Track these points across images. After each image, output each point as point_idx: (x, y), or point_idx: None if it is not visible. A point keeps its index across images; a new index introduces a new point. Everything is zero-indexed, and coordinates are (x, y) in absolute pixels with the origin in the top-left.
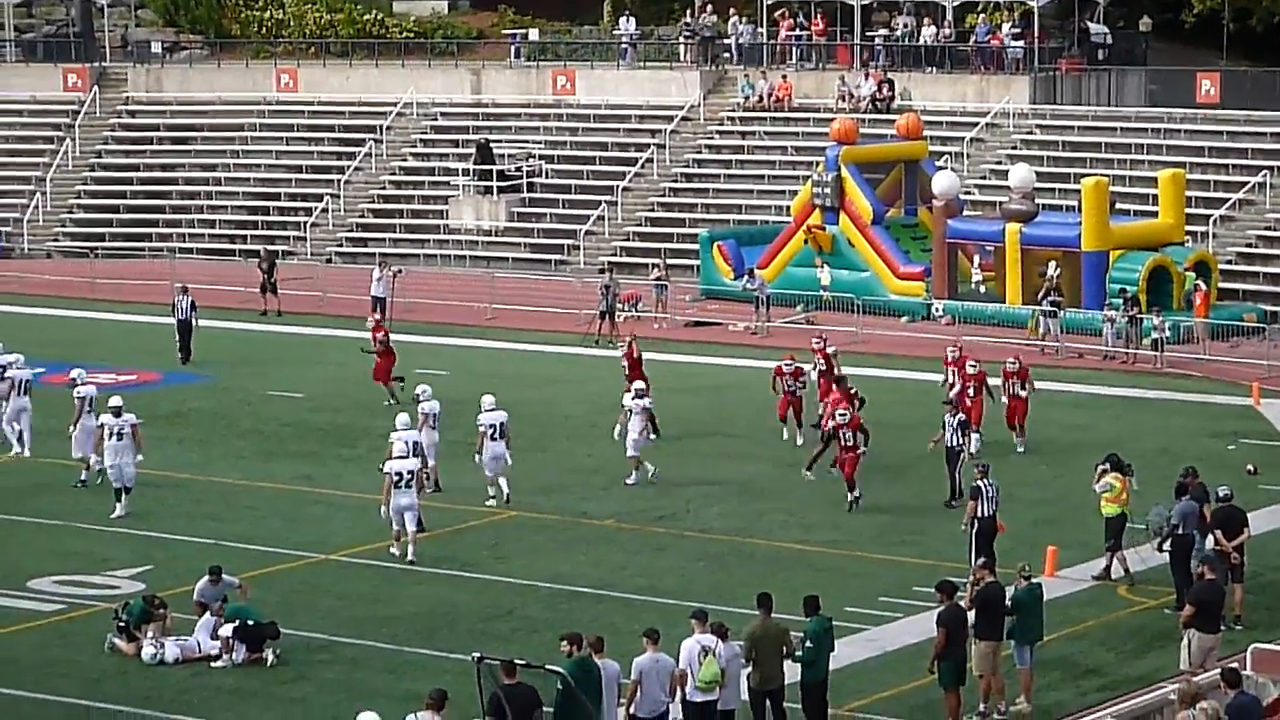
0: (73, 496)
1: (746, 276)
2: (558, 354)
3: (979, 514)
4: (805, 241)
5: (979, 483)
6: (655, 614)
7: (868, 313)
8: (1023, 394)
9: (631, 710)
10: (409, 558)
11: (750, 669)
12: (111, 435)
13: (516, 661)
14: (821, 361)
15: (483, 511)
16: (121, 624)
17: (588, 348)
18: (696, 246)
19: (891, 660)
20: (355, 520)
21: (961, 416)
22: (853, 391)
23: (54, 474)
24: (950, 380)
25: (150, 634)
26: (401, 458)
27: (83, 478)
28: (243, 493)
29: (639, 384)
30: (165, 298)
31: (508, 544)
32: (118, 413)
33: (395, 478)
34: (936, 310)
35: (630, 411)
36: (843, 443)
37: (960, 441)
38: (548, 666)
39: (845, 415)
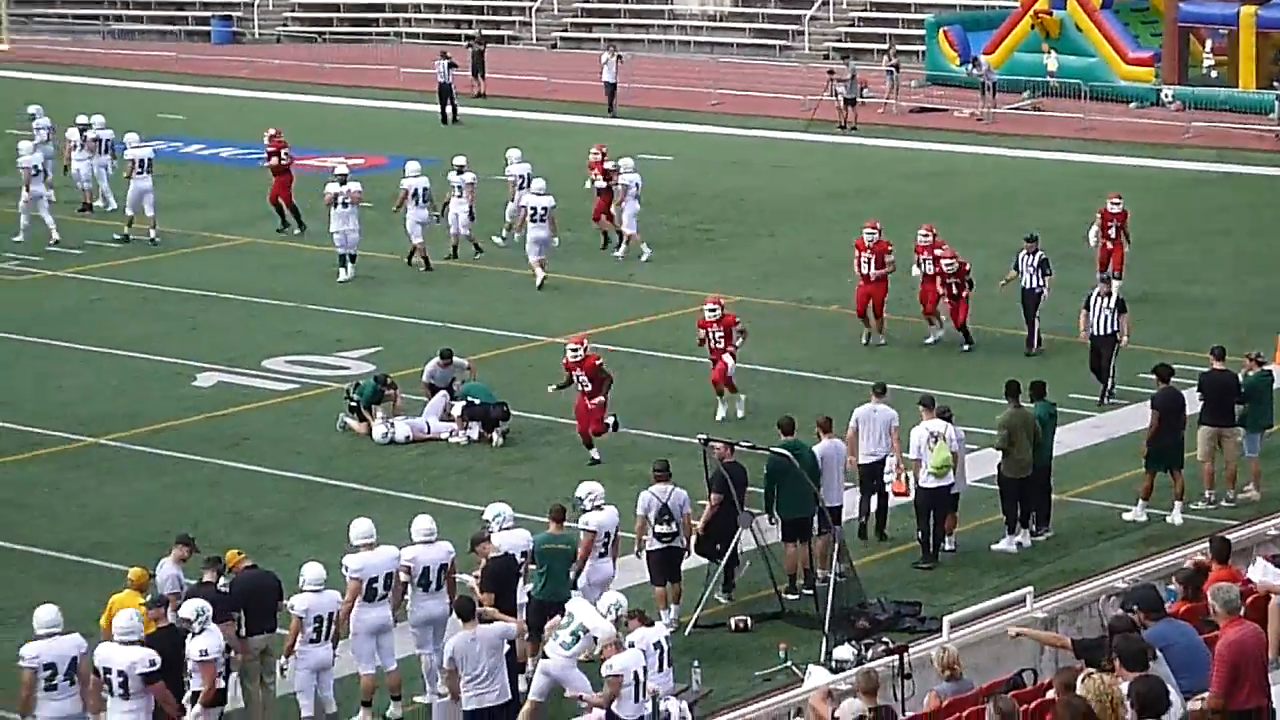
0: (306, 279)
1: (972, 63)
2: (782, 140)
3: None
4: (1032, 27)
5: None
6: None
7: (1095, 99)
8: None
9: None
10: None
11: (1003, 457)
12: (336, 203)
13: (742, 444)
14: (599, 177)
15: (705, 296)
16: (353, 404)
17: (812, 134)
18: (923, 32)
19: (1116, 446)
20: (581, 304)
21: (1042, 255)
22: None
23: (290, 255)
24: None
25: (381, 414)
26: (415, 176)
27: (126, 233)
28: (471, 275)
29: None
30: (391, 82)
31: None
32: (343, 180)
33: (532, 212)
34: (1166, 96)
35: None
36: (580, 388)
37: (1040, 283)
38: (772, 449)
39: (577, 352)
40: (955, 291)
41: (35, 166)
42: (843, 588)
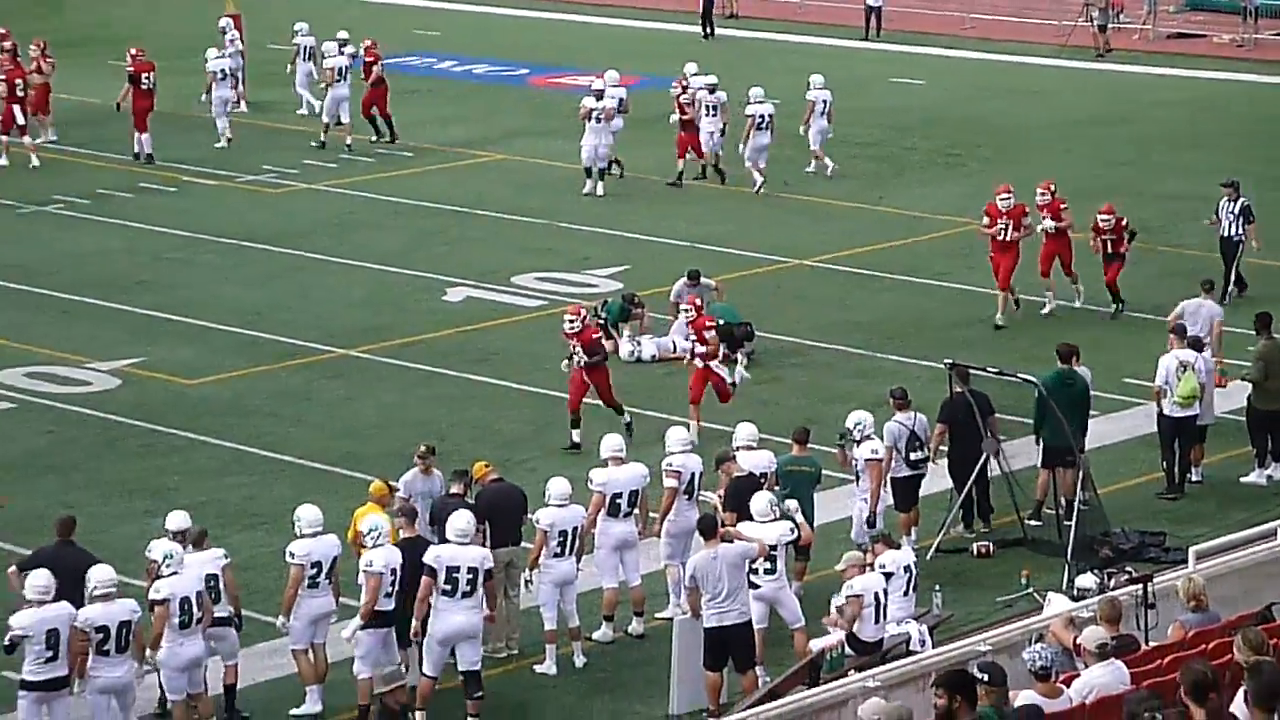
0: (556, 197)
1: None
2: (1035, 65)
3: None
4: None
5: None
6: (1131, 329)
7: None
8: None
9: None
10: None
11: (1253, 389)
12: (591, 117)
13: (988, 371)
14: (679, 111)
15: (953, 221)
16: (601, 321)
17: (1066, 59)
18: None
19: None
20: (828, 227)
21: (1244, 201)
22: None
23: (539, 173)
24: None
25: (628, 332)
26: (614, 85)
27: (323, 140)
28: (718, 196)
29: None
30: (643, 1)
31: (976, 255)
32: (599, 96)
33: (757, 120)
34: None
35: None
36: (577, 361)
37: (1240, 231)
38: (1023, 376)
39: (574, 323)
40: (1109, 249)
41: (221, 70)
42: (1086, 516)
